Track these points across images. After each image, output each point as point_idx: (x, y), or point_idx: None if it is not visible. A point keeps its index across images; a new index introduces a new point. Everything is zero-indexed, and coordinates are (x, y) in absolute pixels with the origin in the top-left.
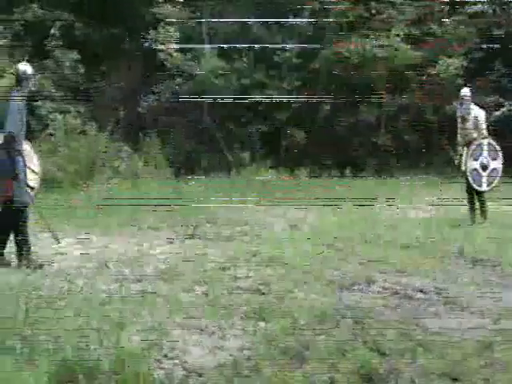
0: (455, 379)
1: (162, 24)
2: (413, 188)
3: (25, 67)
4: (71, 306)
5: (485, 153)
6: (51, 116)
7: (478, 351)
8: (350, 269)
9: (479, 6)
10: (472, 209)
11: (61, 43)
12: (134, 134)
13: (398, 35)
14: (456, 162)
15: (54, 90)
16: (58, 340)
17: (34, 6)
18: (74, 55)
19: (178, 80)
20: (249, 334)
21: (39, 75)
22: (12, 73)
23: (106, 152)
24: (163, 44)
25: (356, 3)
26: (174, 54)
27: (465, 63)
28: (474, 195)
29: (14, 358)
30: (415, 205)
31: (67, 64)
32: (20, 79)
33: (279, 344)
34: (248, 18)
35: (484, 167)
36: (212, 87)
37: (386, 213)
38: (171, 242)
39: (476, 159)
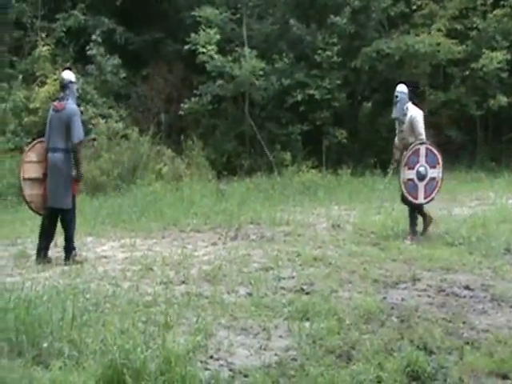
0: (505, 377)
1: (202, 26)
2: (457, 184)
3: (68, 74)
4: (117, 309)
5: (422, 160)
6: (94, 121)
7: None
8: (395, 267)
9: None
10: (414, 223)
11: (102, 48)
12: (176, 137)
13: (440, 30)
14: (391, 167)
15: (96, 96)
16: (104, 342)
17: (76, 12)
18: (116, 60)
19: (219, 82)
20: (294, 334)
21: (81, 81)
22: (56, 79)
23: (148, 155)
24: (204, 46)
25: None
26: (215, 56)
27: (509, 56)
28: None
29: (62, 361)
30: (459, 201)
31: (109, 69)
32: (64, 86)
33: (325, 344)
34: (288, 18)
35: (421, 177)
36: (253, 88)
37: (430, 210)
38: (214, 244)
39: (411, 167)
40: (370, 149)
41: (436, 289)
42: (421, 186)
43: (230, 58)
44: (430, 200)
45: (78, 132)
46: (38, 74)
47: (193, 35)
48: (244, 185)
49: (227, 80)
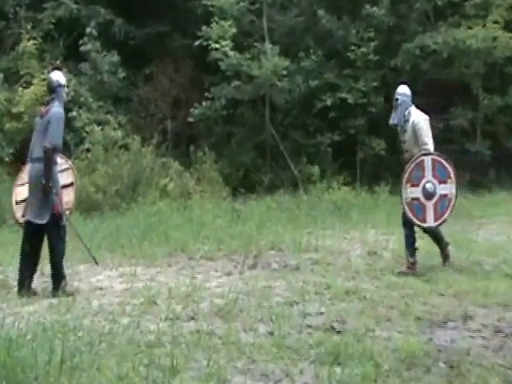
0: None
1: (215, 18)
2: None
3: (58, 75)
4: (114, 350)
5: (428, 174)
6: (88, 128)
7: None
8: (443, 302)
9: None
10: (412, 250)
11: (98, 43)
12: (185, 148)
13: (496, 22)
14: None
15: (90, 99)
16: None
17: (67, 0)
18: (114, 57)
19: (235, 83)
20: (322, 380)
21: (74, 81)
22: (43, 79)
23: (151, 169)
24: (217, 41)
25: None
26: (230, 53)
27: None
28: (413, 232)
29: None
30: None
31: (106, 67)
32: (52, 89)
33: None
34: (315, 8)
35: (429, 195)
36: (275, 90)
37: (484, 234)
38: (229, 274)
39: (415, 184)
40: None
41: (492, 329)
42: (429, 205)
43: (247, 55)
44: (442, 222)
45: (54, 136)
46: (22, 72)
47: (204, 28)
48: (264, 204)
49: (244, 81)
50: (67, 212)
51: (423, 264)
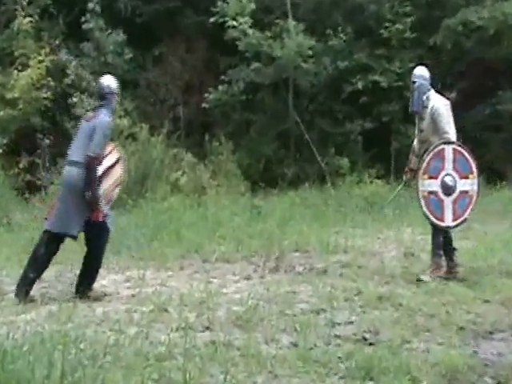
0: None
1: None
2: None
3: (109, 81)
4: (120, 363)
5: (448, 166)
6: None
7: None
8: (489, 310)
9: None
10: (450, 251)
11: (102, 21)
12: (198, 137)
13: None
14: (405, 179)
15: (93, 83)
16: None
17: None
18: (119, 36)
19: (255, 65)
20: None
21: (75, 63)
22: (41, 60)
23: (161, 161)
24: (234, 18)
25: None
26: (249, 31)
27: None
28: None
29: None
30: None
31: (110, 48)
32: (102, 95)
33: None
34: None
35: (448, 189)
36: (299, 73)
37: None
38: (248, 278)
39: (434, 176)
40: None
41: None
42: (447, 202)
43: (268, 34)
44: (462, 222)
45: (98, 146)
46: (17, 53)
47: (220, 3)
48: (287, 199)
49: (265, 62)
50: (117, 190)
51: (468, 267)
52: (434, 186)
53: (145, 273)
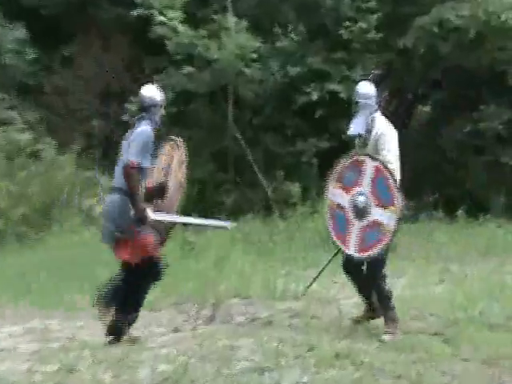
0: None
1: None
2: None
3: (152, 92)
4: None
5: (365, 183)
6: None
7: None
8: (469, 370)
9: None
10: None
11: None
12: (116, 155)
13: None
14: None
15: None
16: None
17: None
18: (20, 32)
19: (187, 69)
20: None
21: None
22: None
23: (72, 185)
24: (161, 12)
25: None
26: (180, 28)
27: None
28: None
29: None
30: None
31: (8, 46)
32: (144, 107)
33: None
34: None
35: (358, 212)
36: (241, 80)
37: None
38: (178, 330)
39: (345, 187)
40: (426, 179)
41: None
42: (355, 225)
43: (204, 32)
44: (368, 257)
45: (137, 153)
46: None
47: None
48: (226, 233)
49: (200, 66)
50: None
51: (444, 318)
52: (344, 200)
53: (50, 323)
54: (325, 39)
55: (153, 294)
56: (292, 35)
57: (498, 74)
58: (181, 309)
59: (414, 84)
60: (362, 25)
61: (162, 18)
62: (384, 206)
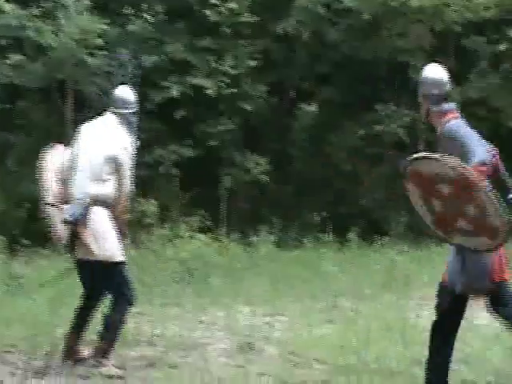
0: None
1: None
2: None
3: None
4: None
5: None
6: None
7: None
8: None
9: None
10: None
11: None
12: None
13: None
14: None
15: None
16: None
17: None
18: None
19: (14, 58)
20: None
21: None
22: None
23: None
24: None
25: None
26: (6, 7)
27: None
28: None
29: None
30: None
31: None
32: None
33: None
34: None
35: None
36: (82, 72)
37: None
38: None
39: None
40: (312, 195)
41: None
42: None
43: (35, 12)
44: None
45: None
46: None
47: None
48: (63, 265)
49: (31, 55)
50: None
51: (332, 365)
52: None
53: None
54: (187, 22)
55: None
56: (147, 16)
57: (397, 67)
58: (5, 359)
59: (297, 78)
60: (233, 5)
61: None
62: None
